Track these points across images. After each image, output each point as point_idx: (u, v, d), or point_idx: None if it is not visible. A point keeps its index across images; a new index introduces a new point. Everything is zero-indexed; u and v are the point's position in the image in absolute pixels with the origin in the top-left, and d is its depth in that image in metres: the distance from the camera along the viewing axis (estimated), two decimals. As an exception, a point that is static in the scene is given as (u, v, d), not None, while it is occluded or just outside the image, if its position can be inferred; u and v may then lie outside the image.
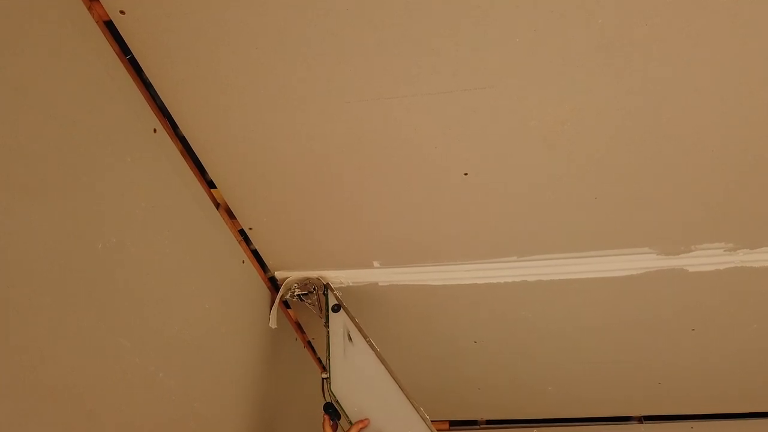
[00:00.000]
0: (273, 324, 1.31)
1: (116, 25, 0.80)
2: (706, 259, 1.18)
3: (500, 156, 0.97)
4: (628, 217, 1.09)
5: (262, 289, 1.30)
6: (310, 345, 1.61)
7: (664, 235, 1.13)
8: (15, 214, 0.60)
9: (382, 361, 1.13)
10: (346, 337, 1.18)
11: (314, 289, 1.30)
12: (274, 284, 1.35)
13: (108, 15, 0.78)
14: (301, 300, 1.30)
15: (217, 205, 1.10)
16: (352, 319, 1.20)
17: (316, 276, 1.29)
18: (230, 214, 1.14)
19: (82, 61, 0.73)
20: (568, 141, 0.93)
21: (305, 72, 0.84)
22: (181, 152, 0.98)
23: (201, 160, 1.02)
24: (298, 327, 1.52)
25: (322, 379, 1.14)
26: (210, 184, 1.08)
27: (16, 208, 0.61)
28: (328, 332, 1.20)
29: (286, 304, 1.41)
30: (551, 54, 0.80)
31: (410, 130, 0.93)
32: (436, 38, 0.78)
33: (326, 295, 1.27)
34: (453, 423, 2.06)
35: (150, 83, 0.88)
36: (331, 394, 1.10)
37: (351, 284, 1.32)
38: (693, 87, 0.83)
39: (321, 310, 1.26)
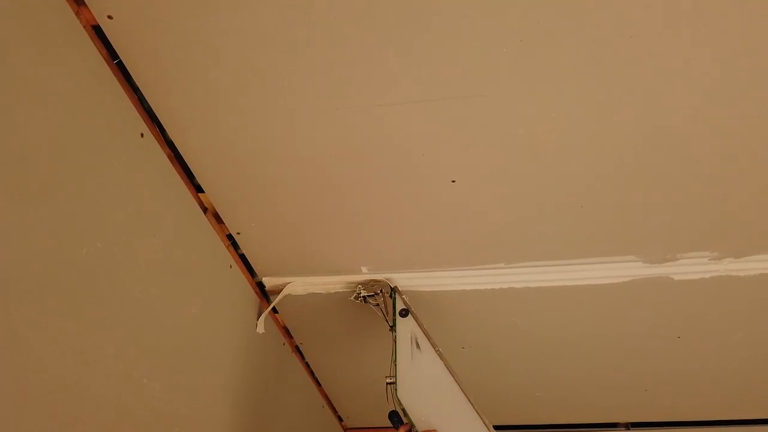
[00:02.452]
0: (260, 329, 1.31)
1: (104, 30, 0.80)
2: (692, 267, 1.18)
3: (488, 163, 0.97)
4: (615, 225, 1.09)
5: (250, 294, 1.30)
6: (298, 350, 1.60)
7: (651, 243, 1.14)
8: (-2, 218, 0.60)
9: (451, 372, 1.08)
10: (414, 344, 1.14)
11: (380, 291, 1.27)
12: (262, 289, 1.35)
13: (96, 20, 0.78)
14: (365, 301, 1.28)
15: (205, 210, 1.10)
16: (420, 325, 1.17)
17: (382, 278, 1.27)
18: (218, 219, 1.13)
19: (68, 66, 0.73)
20: (555, 149, 0.94)
21: (294, 78, 0.84)
22: (169, 157, 0.98)
23: (189, 165, 1.02)
24: (286, 332, 1.52)
25: (387, 383, 1.10)
26: (198, 189, 1.08)
27: (-1, 212, 0.60)
28: (395, 336, 1.16)
29: (273, 309, 1.41)
30: (539, 64, 0.80)
31: (399, 137, 0.93)
32: (425, 46, 0.79)
33: (393, 299, 1.23)
34: (441, 429, 2.06)
35: (138, 88, 0.88)
36: (397, 400, 1.06)
37: (339, 290, 1.32)
38: (680, 97, 0.84)
39: (387, 313, 1.23)
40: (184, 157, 1.00)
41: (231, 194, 1.08)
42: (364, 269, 1.27)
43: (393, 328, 1.19)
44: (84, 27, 0.77)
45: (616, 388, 1.69)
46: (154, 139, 0.93)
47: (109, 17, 0.77)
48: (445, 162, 0.98)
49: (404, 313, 1.19)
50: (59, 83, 0.71)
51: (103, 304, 0.75)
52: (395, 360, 1.12)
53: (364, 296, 1.27)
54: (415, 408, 1.04)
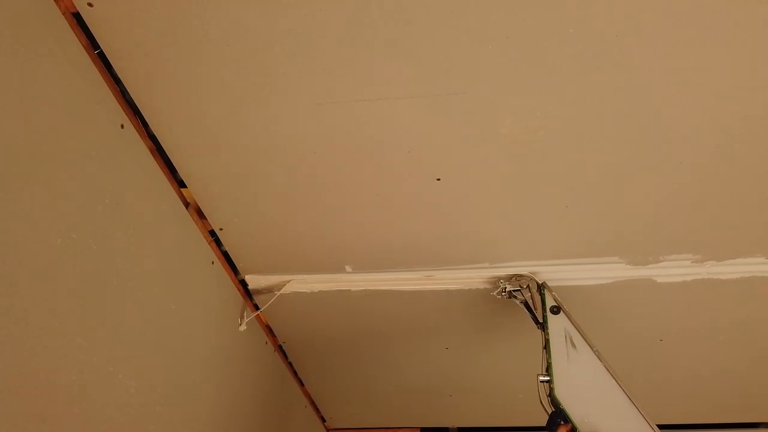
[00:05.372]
0: (243, 327, 1.30)
1: (84, 18, 0.78)
2: (674, 270, 1.19)
3: (472, 162, 0.97)
4: (599, 226, 1.10)
5: (232, 291, 1.28)
6: (280, 349, 1.59)
7: (634, 244, 1.14)
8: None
9: (611, 373, 1.03)
10: (569, 342, 1.09)
11: (527, 286, 1.22)
12: (245, 287, 1.33)
13: (75, 6, 0.76)
14: (511, 297, 1.23)
15: (187, 205, 1.08)
16: (575, 323, 1.11)
17: (527, 273, 1.22)
18: (200, 214, 1.12)
19: (45, 53, 0.72)
20: (539, 149, 0.94)
21: (277, 72, 0.83)
22: (151, 150, 0.97)
23: (171, 159, 1.00)
24: (269, 331, 1.51)
25: (540, 381, 1.05)
26: (180, 184, 1.06)
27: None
28: (547, 334, 1.11)
29: (256, 306, 1.39)
30: (524, 61, 0.80)
31: (383, 133, 0.93)
32: (409, 42, 0.78)
33: (542, 295, 1.19)
34: (424, 430, 2.06)
35: (119, 79, 0.87)
36: (555, 399, 1.01)
37: (322, 289, 1.31)
38: (664, 98, 0.84)
39: (535, 309, 1.18)
40: (166, 151, 0.99)
41: (214, 190, 1.07)
42: (348, 268, 1.26)
43: (544, 325, 1.13)
44: (63, 14, 0.76)
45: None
46: (135, 131, 0.91)
47: (89, 5, 0.75)
48: (430, 160, 0.97)
49: (556, 310, 1.14)
50: (34, 71, 0.70)
51: (76, 296, 0.74)
52: (549, 358, 1.07)
53: (510, 291, 1.22)
54: (575, 409, 0.99)
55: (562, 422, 0.99)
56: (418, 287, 1.29)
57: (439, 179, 1.00)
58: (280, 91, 0.86)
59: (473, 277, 1.25)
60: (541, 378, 1.05)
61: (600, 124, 0.88)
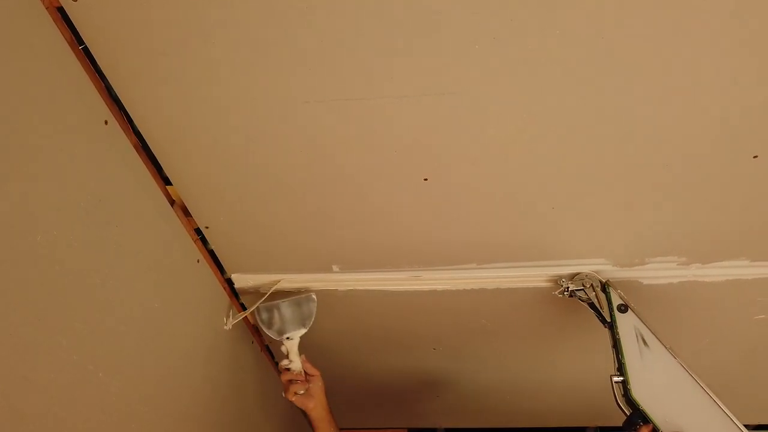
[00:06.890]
0: (228, 326, 1.29)
1: (68, 13, 0.77)
2: (660, 272, 1.20)
3: (459, 163, 0.97)
4: (585, 227, 1.10)
5: (218, 290, 1.27)
6: (267, 349, 1.58)
7: (620, 246, 1.15)
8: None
9: (688, 371, 1.01)
10: (641, 340, 1.07)
11: (591, 285, 1.19)
12: (231, 286, 1.32)
13: (59, 1, 0.75)
14: (573, 296, 1.20)
15: (172, 203, 1.08)
16: (644, 321, 1.10)
17: (588, 271, 1.20)
18: (186, 212, 1.11)
19: (28, 48, 0.71)
20: (526, 150, 0.94)
21: (264, 70, 0.83)
22: (136, 147, 0.96)
23: (156, 156, 0.99)
24: (255, 330, 1.50)
25: (615, 382, 1.03)
26: (165, 181, 1.05)
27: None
28: (617, 334, 1.09)
29: (242, 306, 1.39)
30: (511, 62, 0.80)
31: (369, 133, 0.92)
32: (396, 41, 0.78)
33: (606, 293, 1.16)
34: (411, 430, 2.06)
35: (104, 75, 0.86)
36: (632, 400, 0.99)
37: (309, 288, 1.31)
38: (650, 100, 0.84)
39: (601, 309, 1.15)
40: (151, 148, 0.98)
41: (200, 187, 1.06)
42: (335, 268, 1.25)
43: (611, 324, 1.11)
44: (47, 8, 0.75)
45: (585, 392, 1.70)
46: (119, 128, 0.90)
47: (73, -1, 0.75)
48: (418, 159, 0.97)
49: (623, 308, 1.12)
50: (17, 66, 0.69)
51: (57, 293, 0.73)
52: (622, 358, 1.05)
53: (572, 290, 1.19)
54: (655, 409, 0.97)
55: (641, 423, 0.97)
56: (405, 287, 1.29)
57: (426, 179, 1.00)
58: (266, 88, 0.85)
59: (461, 278, 1.25)
60: (615, 379, 1.03)
61: (586, 124, 0.89)
